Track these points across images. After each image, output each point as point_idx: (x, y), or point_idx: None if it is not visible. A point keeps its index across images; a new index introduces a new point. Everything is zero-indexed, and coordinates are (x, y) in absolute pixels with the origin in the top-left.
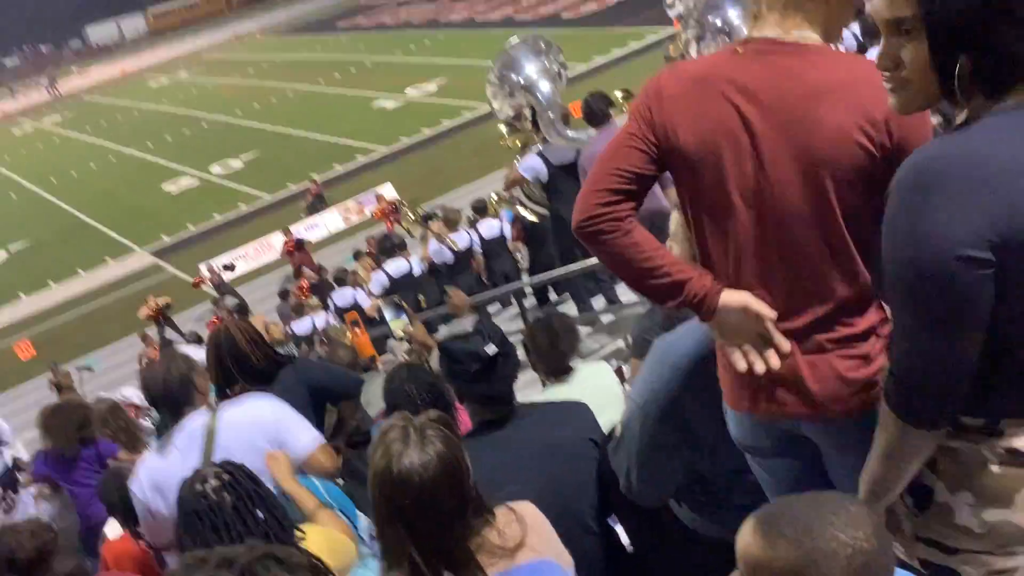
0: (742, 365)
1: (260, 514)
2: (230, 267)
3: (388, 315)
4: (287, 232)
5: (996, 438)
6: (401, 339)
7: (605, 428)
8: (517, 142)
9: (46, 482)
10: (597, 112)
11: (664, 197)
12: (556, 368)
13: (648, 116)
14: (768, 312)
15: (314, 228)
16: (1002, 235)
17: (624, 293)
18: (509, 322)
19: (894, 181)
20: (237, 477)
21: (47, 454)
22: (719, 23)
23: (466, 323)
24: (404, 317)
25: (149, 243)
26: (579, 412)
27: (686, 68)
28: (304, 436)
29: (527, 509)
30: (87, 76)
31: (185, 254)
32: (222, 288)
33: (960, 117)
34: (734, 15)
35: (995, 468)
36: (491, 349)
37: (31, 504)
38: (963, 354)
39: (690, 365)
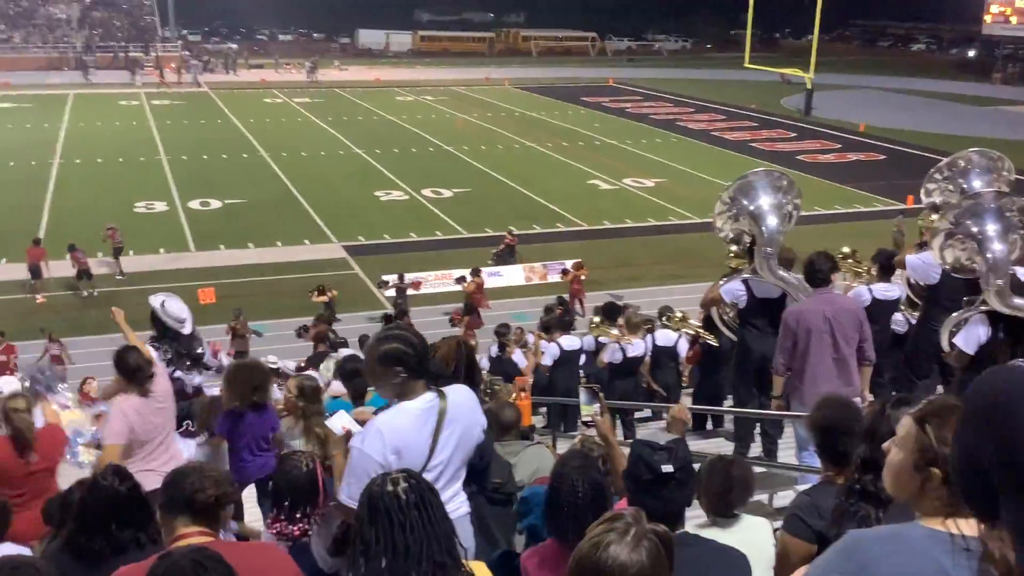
0: None
1: (437, 529)
2: (384, 284)
3: (583, 399)
4: (476, 272)
5: None
6: (588, 424)
7: None
8: (737, 263)
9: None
10: (819, 272)
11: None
12: (720, 511)
13: None
14: None
15: (495, 276)
16: None
17: (782, 452)
18: (654, 436)
19: None
20: (425, 489)
21: (227, 412)
22: (975, 230)
23: (666, 436)
24: (596, 405)
25: (345, 239)
26: (737, 564)
27: None
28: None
29: None
30: (345, 72)
31: (373, 260)
32: (400, 301)
33: None
34: (991, 228)
35: None
36: (666, 468)
37: (191, 448)
38: None
39: (880, 568)
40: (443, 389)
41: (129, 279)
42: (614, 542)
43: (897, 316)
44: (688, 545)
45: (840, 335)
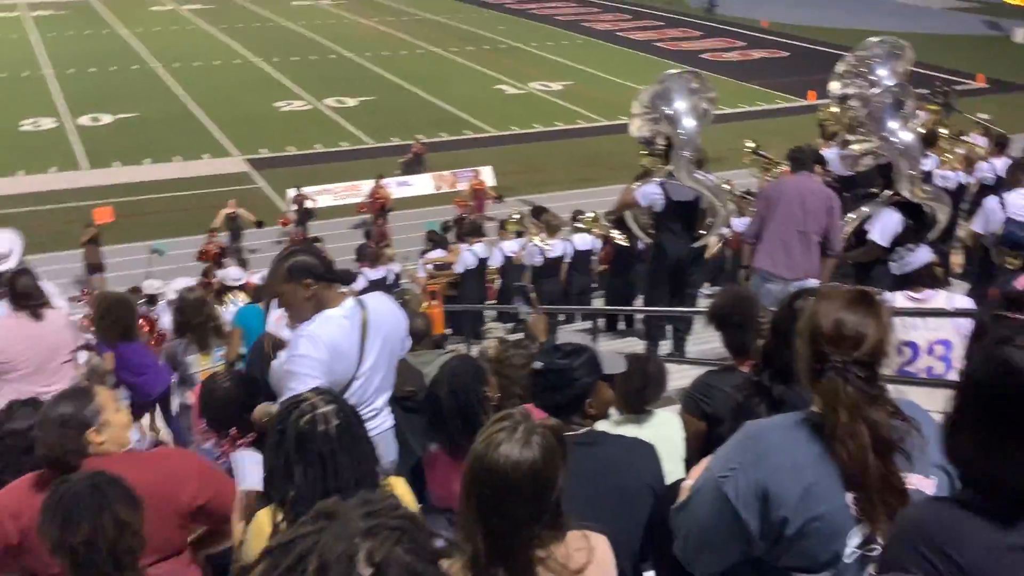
0: None
1: (360, 450)
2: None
3: (518, 301)
4: (379, 179)
5: None
6: (523, 320)
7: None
8: (651, 162)
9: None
10: (801, 157)
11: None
12: (634, 407)
13: None
14: None
15: (404, 186)
16: None
17: (692, 347)
18: (572, 336)
19: None
20: (346, 410)
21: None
22: (885, 134)
23: (569, 336)
24: (528, 307)
25: (247, 152)
26: (646, 456)
27: None
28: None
29: (599, 542)
30: None
31: (278, 173)
32: (304, 217)
33: None
34: (892, 123)
35: None
36: (537, 365)
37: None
38: None
39: (776, 457)
40: (362, 298)
41: (14, 201)
42: (504, 441)
43: None
44: (596, 443)
45: (810, 211)
